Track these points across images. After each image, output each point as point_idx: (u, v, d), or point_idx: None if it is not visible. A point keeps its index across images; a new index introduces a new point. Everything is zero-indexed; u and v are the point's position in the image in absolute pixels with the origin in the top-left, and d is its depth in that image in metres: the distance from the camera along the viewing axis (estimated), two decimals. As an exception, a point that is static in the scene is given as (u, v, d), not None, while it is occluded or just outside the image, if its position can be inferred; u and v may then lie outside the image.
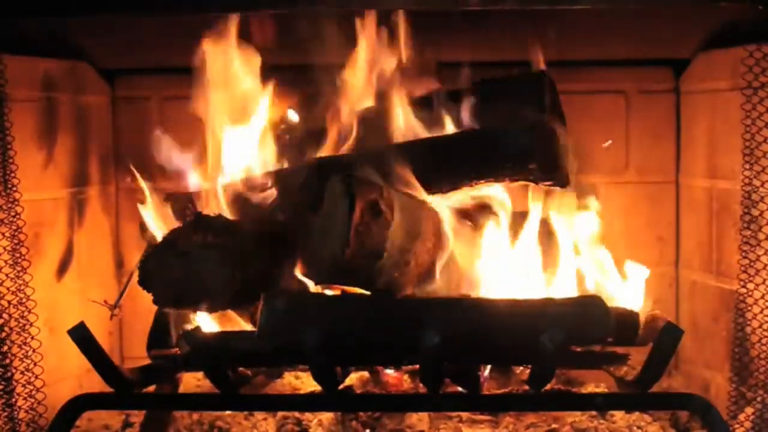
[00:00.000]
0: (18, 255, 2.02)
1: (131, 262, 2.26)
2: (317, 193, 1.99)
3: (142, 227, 2.18)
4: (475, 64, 2.25)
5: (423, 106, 2.23)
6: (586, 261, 2.23)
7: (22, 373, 2.02)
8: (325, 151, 2.22)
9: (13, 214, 2.01)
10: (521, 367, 2.18)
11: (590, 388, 2.31)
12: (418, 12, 2.07)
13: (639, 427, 2.11)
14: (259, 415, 2.17)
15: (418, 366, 1.95)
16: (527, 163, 2.11)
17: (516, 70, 2.27)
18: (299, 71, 2.22)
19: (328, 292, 2.05)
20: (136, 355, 2.33)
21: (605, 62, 2.51)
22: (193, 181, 2.23)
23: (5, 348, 1.99)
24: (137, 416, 2.21)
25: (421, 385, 2.02)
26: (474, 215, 2.19)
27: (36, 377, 2.04)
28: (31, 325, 2.03)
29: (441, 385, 1.94)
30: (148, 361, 2.09)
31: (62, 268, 2.29)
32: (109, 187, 2.53)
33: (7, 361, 1.99)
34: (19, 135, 2.03)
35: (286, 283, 2.03)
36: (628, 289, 2.16)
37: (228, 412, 2.16)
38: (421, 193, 2.09)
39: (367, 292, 2.03)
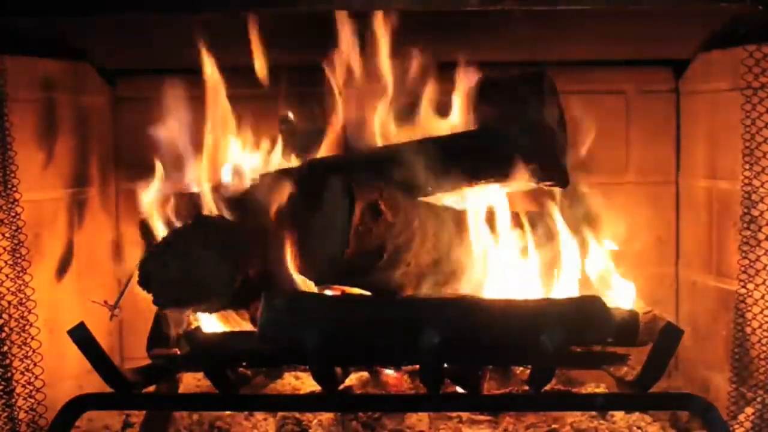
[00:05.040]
0: (18, 255, 2.02)
1: (131, 263, 2.25)
2: (317, 193, 1.99)
3: (142, 227, 2.17)
4: (476, 64, 2.25)
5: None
6: (586, 261, 2.23)
7: (22, 373, 2.02)
8: (325, 151, 2.22)
9: (13, 214, 2.01)
10: (521, 367, 2.18)
11: (590, 388, 2.31)
12: (418, 12, 2.07)
13: (639, 428, 2.11)
14: (259, 415, 2.17)
15: (418, 366, 1.95)
16: (527, 163, 2.10)
17: (516, 70, 2.27)
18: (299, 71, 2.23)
19: (328, 293, 2.05)
20: (136, 355, 2.32)
21: (605, 62, 2.51)
22: (194, 181, 2.23)
23: (5, 348, 1.99)
24: (137, 416, 2.21)
25: (421, 385, 2.02)
26: (473, 216, 2.19)
27: (36, 377, 2.03)
28: (31, 325, 2.03)
29: (441, 386, 1.94)
30: (148, 361, 2.09)
31: (62, 268, 2.29)
32: (109, 188, 2.53)
33: (7, 361, 1.99)
34: (19, 135, 2.03)
35: (286, 283, 2.03)
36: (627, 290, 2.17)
37: (228, 412, 2.16)
38: (421, 194, 2.09)
39: (367, 293, 2.03)
